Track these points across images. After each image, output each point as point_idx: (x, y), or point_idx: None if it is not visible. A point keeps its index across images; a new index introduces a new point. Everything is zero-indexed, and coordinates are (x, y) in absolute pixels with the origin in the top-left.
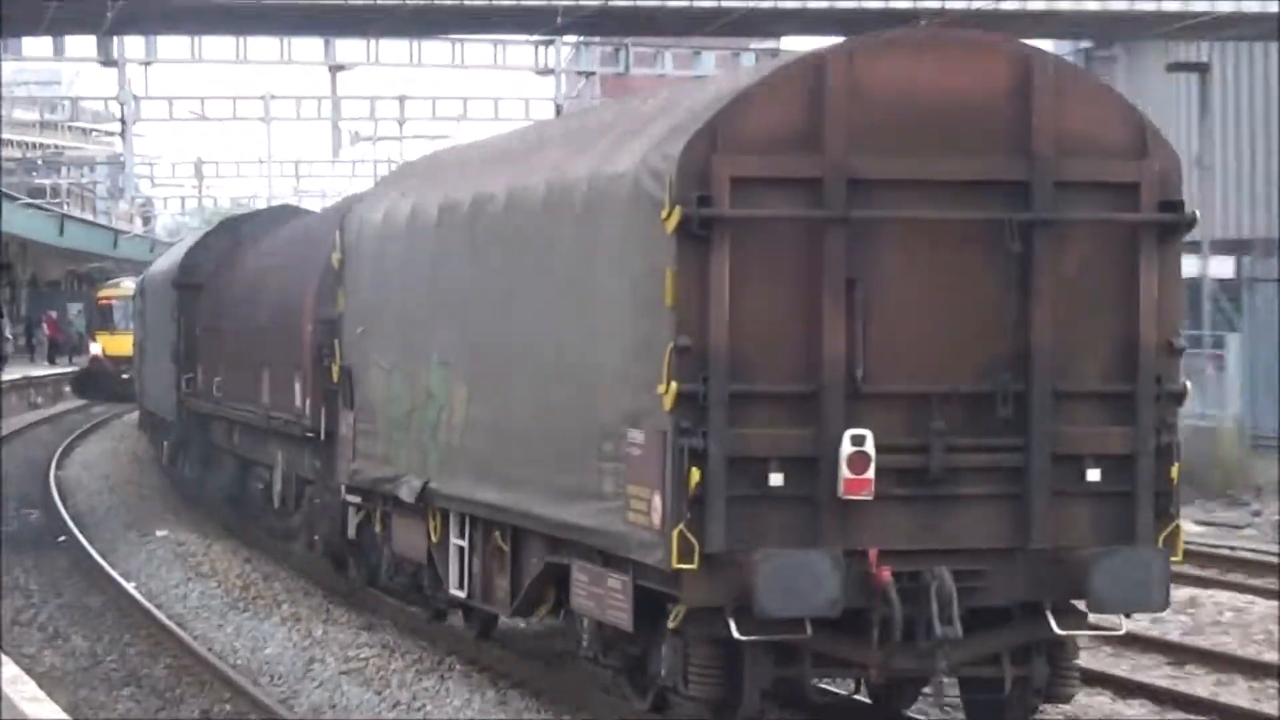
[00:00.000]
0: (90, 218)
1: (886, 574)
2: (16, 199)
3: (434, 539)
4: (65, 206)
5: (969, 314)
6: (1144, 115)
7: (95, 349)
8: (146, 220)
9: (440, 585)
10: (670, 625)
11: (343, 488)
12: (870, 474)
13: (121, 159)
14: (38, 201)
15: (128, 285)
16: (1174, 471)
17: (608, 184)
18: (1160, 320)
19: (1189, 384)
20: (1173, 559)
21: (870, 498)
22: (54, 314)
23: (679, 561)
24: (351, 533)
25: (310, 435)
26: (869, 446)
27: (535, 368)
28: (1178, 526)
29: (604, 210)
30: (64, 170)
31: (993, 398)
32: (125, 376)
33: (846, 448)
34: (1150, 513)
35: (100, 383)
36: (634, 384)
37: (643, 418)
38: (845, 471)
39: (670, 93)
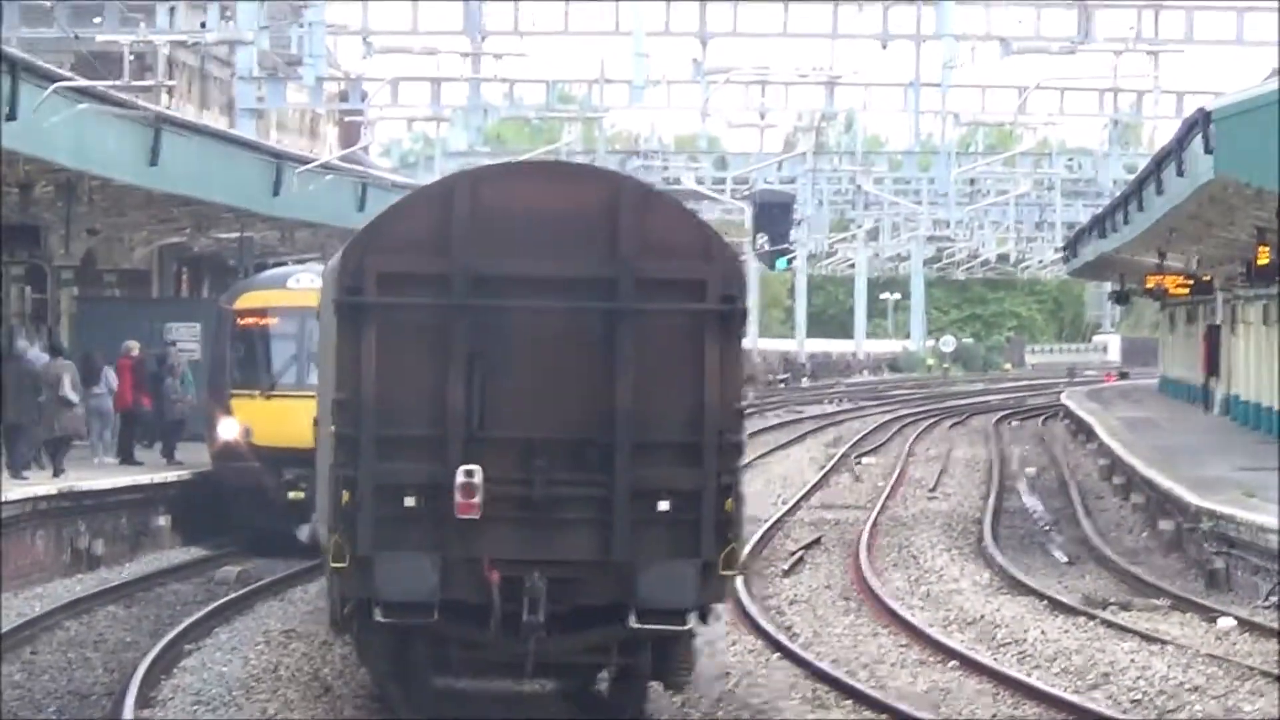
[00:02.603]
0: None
1: (495, 576)
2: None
3: None
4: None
5: (568, 380)
6: (710, 226)
7: (228, 429)
8: (351, 139)
9: None
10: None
11: None
12: (478, 499)
13: None
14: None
15: (303, 284)
16: (729, 504)
17: (328, 274)
18: (723, 387)
19: (745, 438)
20: (727, 572)
21: (478, 517)
22: (135, 348)
23: (334, 561)
24: None
25: None
26: (477, 478)
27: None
28: (734, 548)
29: (326, 294)
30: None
31: (585, 445)
32: (295, 494)
33: (460, 478)
34: (712, 536)
35: (241, 506)
36: (327, 426)
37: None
38: (459, 497)
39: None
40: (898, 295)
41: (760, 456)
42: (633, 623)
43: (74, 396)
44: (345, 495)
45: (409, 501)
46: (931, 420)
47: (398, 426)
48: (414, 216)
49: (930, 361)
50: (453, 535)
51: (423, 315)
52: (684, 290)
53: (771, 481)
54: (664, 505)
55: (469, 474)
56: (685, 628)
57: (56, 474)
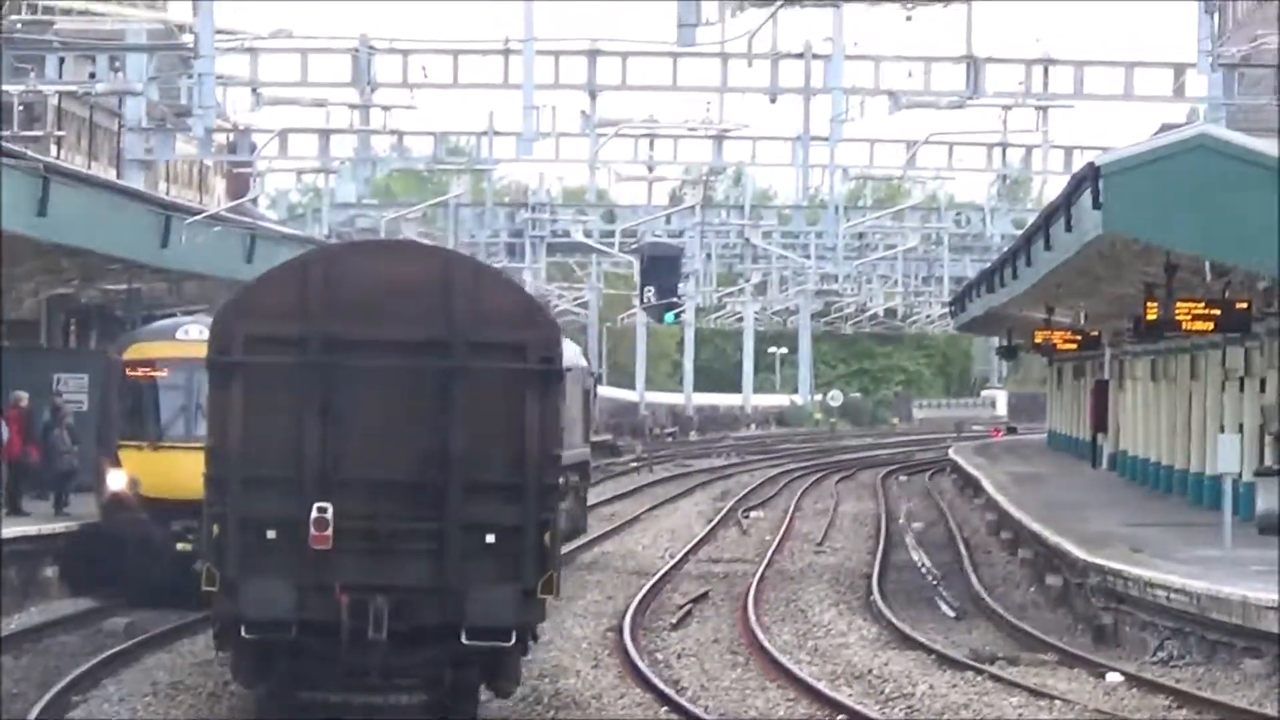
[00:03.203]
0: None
1: (344, 598)
2: None
3: None
4: (55, 148)
5: (409, 429)
6: (533, 297)
7: (116, 480)
8: (240, 190)
9: None
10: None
11: None
12: (328, 532)
13: (188, 33)
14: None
15: (191, 335)
16: (547, 538)
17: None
18: (542, 436)
19: (566, 480)
20: (548, 596)
21: (329, 548)
22: (24, 398)
23: (206, 585)
24: None
25: None
26: (329, 514)
27: None
28: (552, 575)
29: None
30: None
31: (423, 485)
32: (183, 545)
33: (314, 514)
34: (532, 565)
35: (129, 558)
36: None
37: None
38: (313, 530)
39: None
40: (785, 349)
41: (648, 510)
42: (464, 639)
43: None
44: (215, 528)
45: (270, 534)
46: (819, 474)
47: (260, 468)
48: (277, 287)
49: (818, 416)
50: (308, 563)
51: (282, 372)
52: (508, 352)
53: (659, 535)
54: (490, 538)
55: (321, 510)
56: (508, 644)
57: None
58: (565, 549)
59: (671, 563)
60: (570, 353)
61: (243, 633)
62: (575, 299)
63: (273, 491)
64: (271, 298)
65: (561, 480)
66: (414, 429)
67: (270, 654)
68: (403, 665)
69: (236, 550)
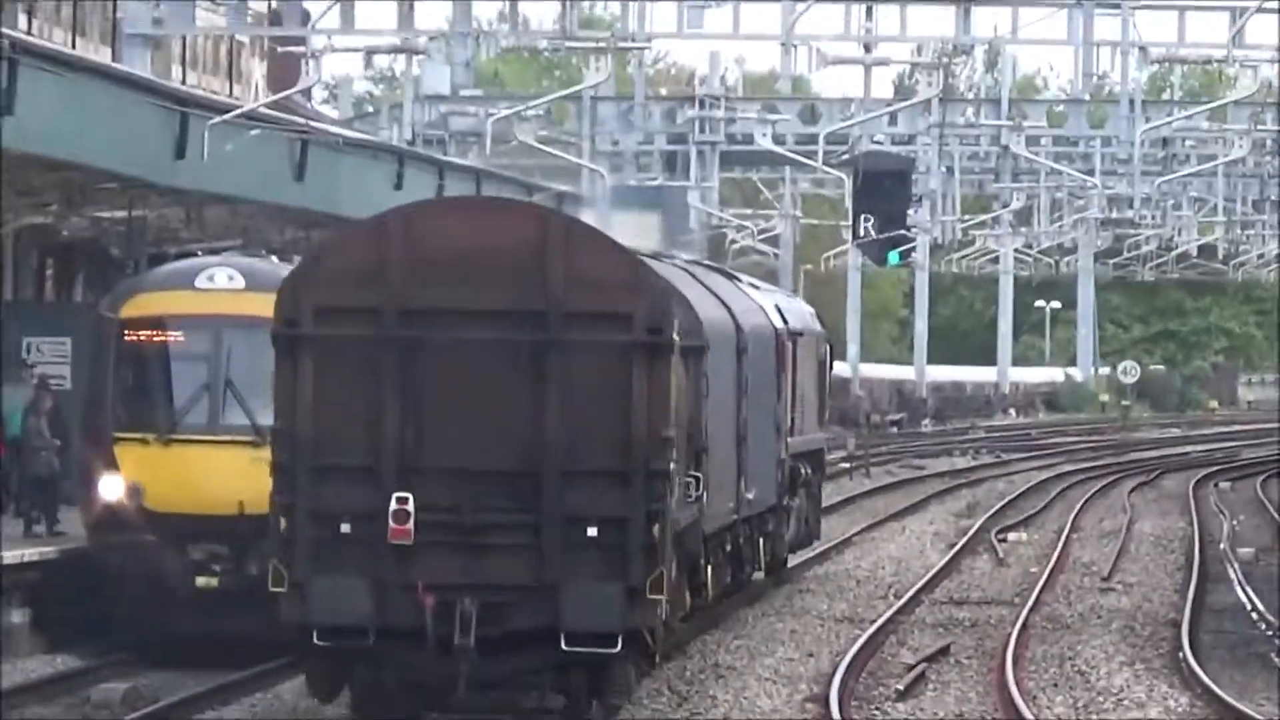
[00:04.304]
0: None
1: (430, 600)
2: None
3: None
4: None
5: (499, 411)
6: (638, 259)
7: (111, 488)
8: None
9: None
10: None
11: None
12: (410, 525)
13: None
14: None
15: (218, 283)
16: (656, 530)
17: None
18: (650, 417)
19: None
20: (654, 596)
21: (410, 543)
22: None
23: (273, 586)
24: None
25: None
26: (410, 506)
27: None
28: (661, 573)
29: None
30: None
31: (517, 474)
32: (206, 580)
33: (394, 505)
34: (640, 561)
35: (128, 597)
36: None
37: None
38: (392, 523)
39: None
40: (1058, 304)
41: (863, 531)
42: (563, 645)
43: None
44: (283, 522)
45: (344, 528)
46: (1106, 480)
47: (333, 455)
48: (350, 251)
49: (1104, 397)
50: (387, 561)
51: (357, 347)
52: (611, 323)
53: (879, 565)
54: (592, 531)
55: (402, 501)
56: (614, 650)
57: None
58: (793, 561)
59: (897, 605)
60: (799, 314)
61: (315, 639)
62: (761, 231)
63: (347, 481)
64: (344, 263)
65: (791, 471)
66: (505, 410)
67: (347, 663)
68: (495, 675)
69: (306, 547)
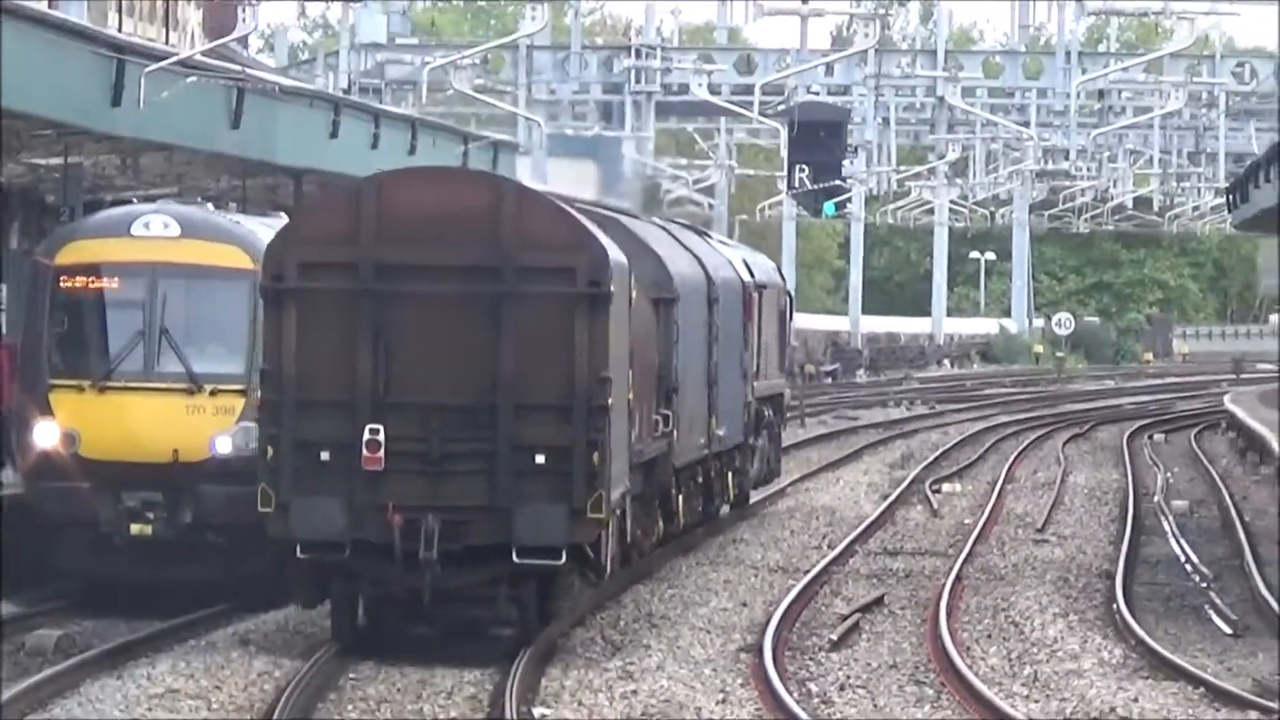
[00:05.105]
0: None
1: (398, 519)
2: None
3: None
4: None
5: (460, 353)
6: (581, 220)
7: (46, 435)
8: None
9: None
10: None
11: None
12: (381, 454)
13: None
14: None
15: (153, 230)
16: (595, 458)
17: None
18: (591, 359)
19: (760, 414)
20: (596, 515)
21: (381, 469)
22: None
23: (262, 506)
24: None
25: None
26: (381, 436)
27: None
28: (600, 495)
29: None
30: None
31: (475, 408)
32: (140, 527)
33: (367, 436)
34: (582, 484)
35: (63, 544)
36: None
37: None
38: (365, 452)
39: None
40: (993, 255)
41: (798, 481)
42: (514, 558)
43: None
44: (269, 450)
45: (324, 456)
46: (1040, 432)
47: (314, 392)
48: (329, 214)
49: (1039, 349)
50: (360, 484)
51: (336, 298)
52: (557, 276)
53: (814, 516)
54: (540, 458)
55: (374, 432)
56: (559, 562)
57: None
58: (755, 497)
59: (831, 555)
60: (764, 269)
61: (297, 552)
62: (696, 182)
63: (326, 415)
64: (324, 224)
65: (756, 413)
66: (465, 352)
67: (326, 576)
68: (455, 584)
69: (290, 472)
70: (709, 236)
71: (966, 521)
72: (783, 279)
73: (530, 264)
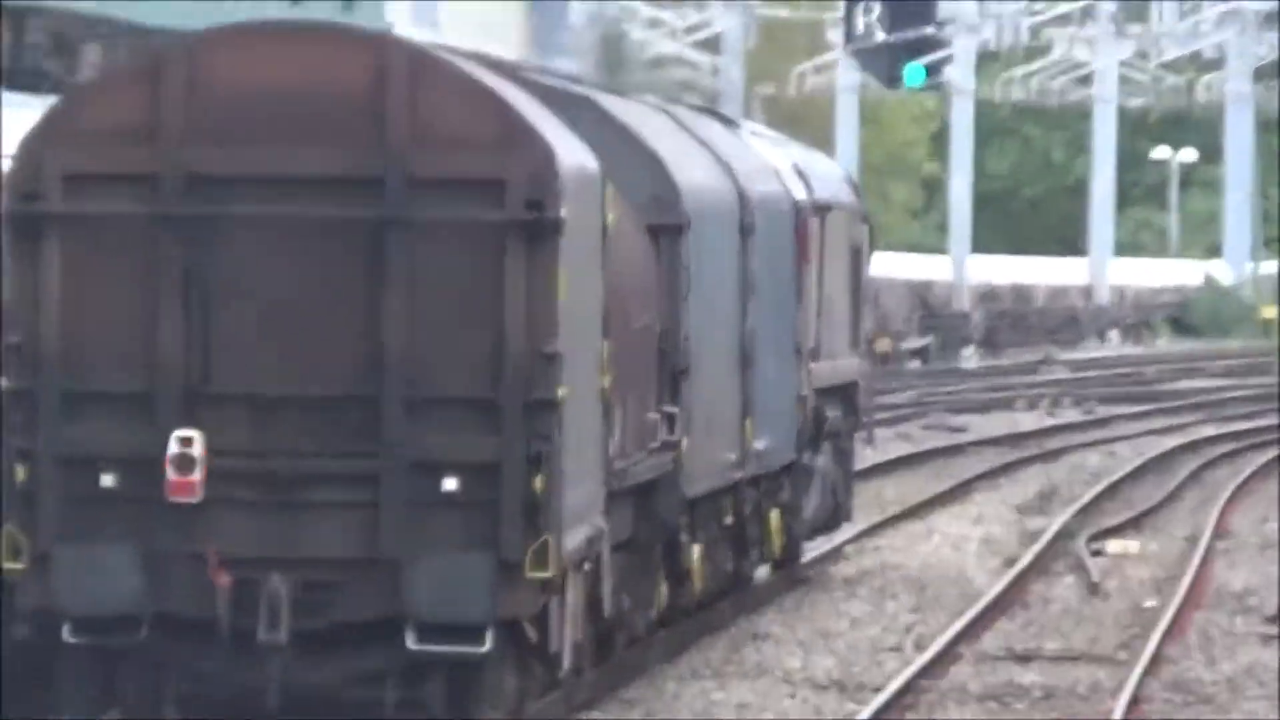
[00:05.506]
0: None
1: (225, 579)
2: None
3: None
4: None
5: (321, 316)
6: (515, 108)
7: None
8: None
9: None
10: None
11: None
12: (196, 476)
13: None
14: None
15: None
16: (539, 482)
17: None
18: (529, 326)
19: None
20: (540, 573)
21: (196, 500)
22: None
23: (8, 561)
24: None
25: None
26: (195, 448)
27: None
28: (547, 541)
29: None
30: None
31: (345, 403)
32: None
33: (174, 448)
34: (516, 524)
35: None
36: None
37: None
38: (172, 473)
39: None
40: (1193, 154)
41: (861, 535)
42: (410, 643)
43: None
44: (19, 471)
45: (106, 480)
46: (1271, 453)
47: (91, 379)
48: (113, 99)
49: (1271, 314)
50: (164, 525)
51: (125, 228)
52: (475, 194)
53: (892, 590)
54: (450, 484)
55: (185, 441)
56: (481, 649)
57: None
58: (809, 551)
59: (920, 661)
60: (827, 179)
61: (66, 635)
62: (690, 29)
63: (109, 414)
64: (106, 114)
65: (813, 415)
66: (329, 315)
67: (110, 667)
68: (317, 681)
69: (53, 506)
70: (738, 127)
71: (1148, 604)
72: (858, 195)
73: (432, 173)
